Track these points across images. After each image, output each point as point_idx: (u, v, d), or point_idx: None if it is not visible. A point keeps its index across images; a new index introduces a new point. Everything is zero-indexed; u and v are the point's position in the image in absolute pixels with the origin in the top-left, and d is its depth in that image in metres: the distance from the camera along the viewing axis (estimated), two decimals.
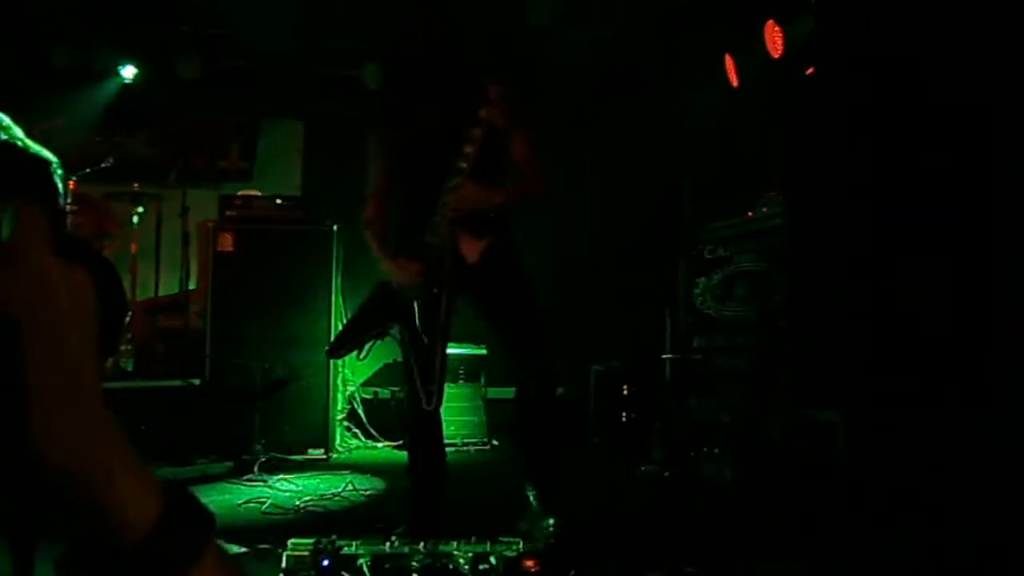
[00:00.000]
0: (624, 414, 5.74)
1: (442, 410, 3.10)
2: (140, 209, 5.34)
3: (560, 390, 3.14)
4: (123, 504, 0.54)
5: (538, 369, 2.92)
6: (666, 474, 4.52)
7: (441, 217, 2.86)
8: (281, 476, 4.20)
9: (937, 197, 3.36)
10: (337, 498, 3.74)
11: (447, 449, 3.21)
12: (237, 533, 3.10)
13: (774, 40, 4.59)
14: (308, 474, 4.34)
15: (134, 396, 4.50)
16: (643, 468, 4.67)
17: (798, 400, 3.65)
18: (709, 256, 4.84)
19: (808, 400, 3.56)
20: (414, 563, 2.51)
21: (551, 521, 2.87)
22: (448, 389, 4.34)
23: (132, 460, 0.56)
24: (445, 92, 2.93)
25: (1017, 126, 3.35)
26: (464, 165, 2.83)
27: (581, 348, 6.11)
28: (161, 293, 5.76)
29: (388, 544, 2.63)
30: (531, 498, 2.96)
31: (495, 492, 3.93)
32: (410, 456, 3.08)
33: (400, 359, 2.98)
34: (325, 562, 2.43)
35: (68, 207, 4.66)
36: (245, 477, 4.20)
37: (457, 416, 5.40)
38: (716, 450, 4.39)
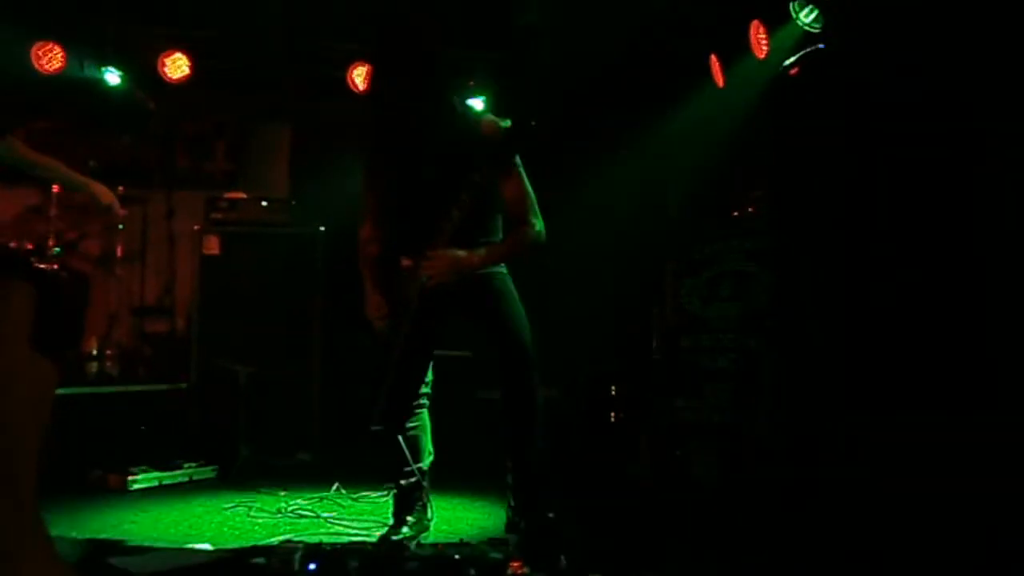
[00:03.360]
0: (612, 414, 5.75)
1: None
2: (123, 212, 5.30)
3: (546, 392, 3.13)
4: None
5: (520, 382, 2.91)
6: (651, 475, 4.53)
7: (414, 272, 2.85)
8: (268, 479, 4.20)
9: (925, 198, 3.38)
10: (324, 501, 3.73)
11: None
12: (223, 536, 3.09)
13: (759, 41, 4.60)
14: (295, 477, 4.33)
15: (120, 400, 4.48)
16: (631, 469, 4.68)
17: (782, 400, 3.67)
18: (695, 256, 4.86)
19: (791, 400, 3.58)
20: (403, 567, 2.51)
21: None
22: None
23: (47, 555, 0.54)
24: (433, 130, 2.88)
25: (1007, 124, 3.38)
26: (447, 226, 2.77)
27: (569, 349, 6.11)
28: (147, 296, 5.73)
29: (376, 547, 2.64)
30: (513, 504, 2.95)
31: (481, 493, 3.93)
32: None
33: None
34: (312, 565, 2.43)
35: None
36: (232, 480, 4.19)
37: None
38: (703, 449, 4.40)
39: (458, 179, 2.76)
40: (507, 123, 2.81)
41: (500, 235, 3.01)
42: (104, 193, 3.66)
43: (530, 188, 2.93)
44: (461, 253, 2.82)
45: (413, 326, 2.84)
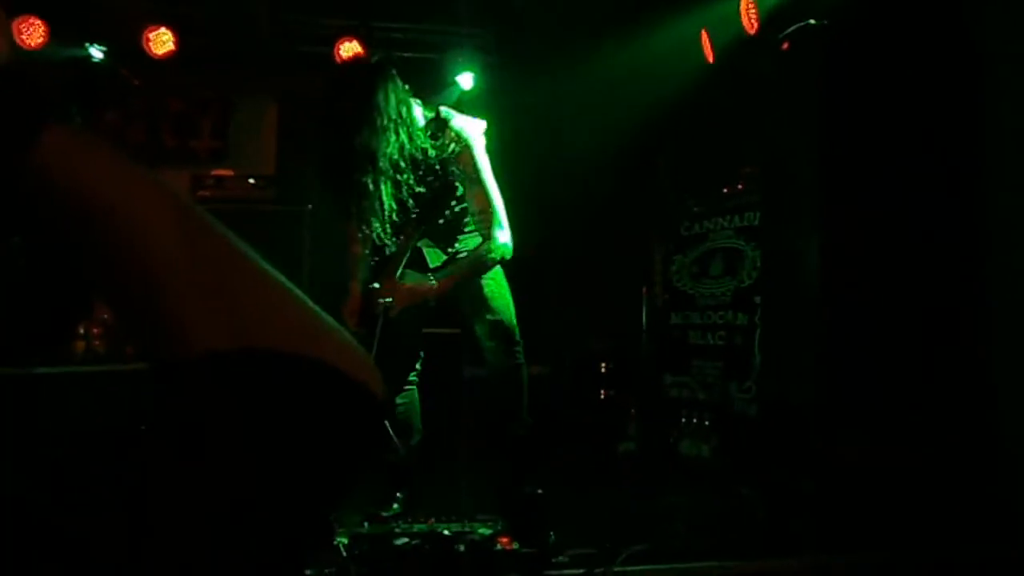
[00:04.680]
0: (602, 392, 5.76)
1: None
2: None
3: (535, 369, 3.13)
4: None
5: (505, 359, 2.91)
6: (641, 452, 4.55)
7: (379, 293, 2.83)
8: None
9: (914, 177, 3.37)
10: None
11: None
12: None
13: (749, 16, 4.57)
14: None
15: (107, 379, 4.45)
16: (621, 446, 4.69)
17: (771, 377, 3.67)
18: (685, 233, 4.85)
19: (780, 377, 3.58)
20: (392, 543, 2.51)
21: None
22: None
23: None
24: (387, 146, 2.79)
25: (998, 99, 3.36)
26: (414, 235, 2.77)
27: (558, 326, 6.12)
28: None
29: (365, 524, 2.64)
30: (502, 480, 2.97)
31: (470, 470, 3.93)
32: None
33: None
34: None
35: None
36: None
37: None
38: (693, 425, 4.41)
39: (418, 194, 2.76)
40: (477, 163, 2.81)
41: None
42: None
43: (494, 199, 2.86)
44: (424, 282, 2.82)
45: (383, 337, 2.81)
